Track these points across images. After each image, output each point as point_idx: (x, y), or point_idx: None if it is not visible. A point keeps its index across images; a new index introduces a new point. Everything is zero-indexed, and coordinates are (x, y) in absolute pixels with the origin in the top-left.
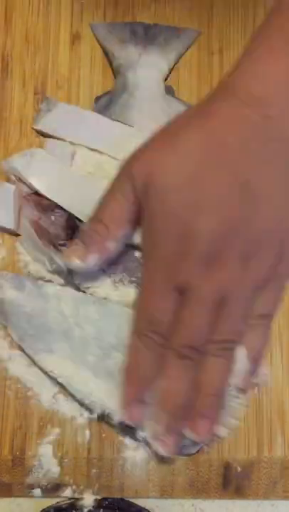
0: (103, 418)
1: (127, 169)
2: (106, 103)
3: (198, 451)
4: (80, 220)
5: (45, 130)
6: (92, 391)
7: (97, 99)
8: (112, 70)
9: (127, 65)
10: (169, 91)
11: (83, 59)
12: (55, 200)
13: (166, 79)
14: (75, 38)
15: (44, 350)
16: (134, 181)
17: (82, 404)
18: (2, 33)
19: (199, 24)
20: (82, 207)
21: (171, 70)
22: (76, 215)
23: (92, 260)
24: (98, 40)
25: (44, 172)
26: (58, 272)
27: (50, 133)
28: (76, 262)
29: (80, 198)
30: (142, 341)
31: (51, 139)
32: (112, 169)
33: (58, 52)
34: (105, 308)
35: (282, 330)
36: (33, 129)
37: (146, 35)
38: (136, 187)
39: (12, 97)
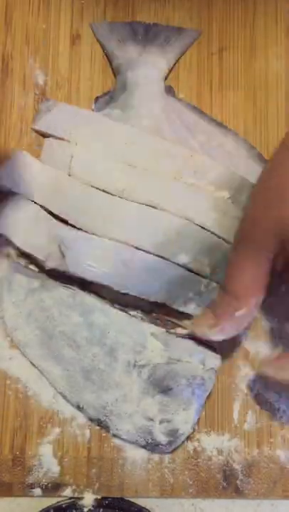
0: (100, 424)
1: (266, 231)
2: (106, 103)
3: (174, 450)
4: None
5: (45, 130)
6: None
7: (97, 99)
8: (112, 69)
9: (127, 64)
10: (169, 91)
11: (83, 59)
12: (47, 206)
13: (165, 78)
14: (75, 38)
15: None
16: (279, 231)
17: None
18: (2, 33)
19: (199, 24)
20: (73, 212)
21: (170, 70)
22: (65, 218)
23: (222, 333)
24: (98, 40)
25: (30, 178)
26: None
27: (50, 133)
28: (201, 330)
29: (72, 202)
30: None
31: (51, 139)
32: (110, 173)
33: (58, 52)
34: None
35: None
36: (32, 129)
37: (147, 34)
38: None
39: (12, 97)
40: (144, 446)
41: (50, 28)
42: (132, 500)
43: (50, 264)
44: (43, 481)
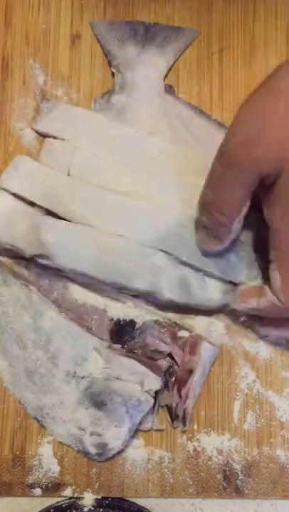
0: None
1: (247, 156)
2: (105, 103)
3: (106, 460)
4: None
5: (45, 130)
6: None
7: (97, 99)
8: (111, 69)
9: (126, 64)
10: (169, 90)
11: (83, 59)
12: (47, 207)
13: (165, 78)
14: (75, 37)
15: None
16: (260, 168)
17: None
18: (2, 33)
19: (199, 24)
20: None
21: (170, 69)
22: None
23: (224, 245)
24: (98, 40)
25: (32, 181)
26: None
27: (50, 133)
28: (212, 248)
29: (73, 202)
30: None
31: (51, 139)
32: (110, 173)
33: (58, 52)
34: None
35: None
36: (32, 129)
37: (146, 34)
38: (262, 173)
39: (12, 97)
40: (77, 451)
41: (50, 28)
42: (132, 500)
43: (29, 252)
44: (43, 481)
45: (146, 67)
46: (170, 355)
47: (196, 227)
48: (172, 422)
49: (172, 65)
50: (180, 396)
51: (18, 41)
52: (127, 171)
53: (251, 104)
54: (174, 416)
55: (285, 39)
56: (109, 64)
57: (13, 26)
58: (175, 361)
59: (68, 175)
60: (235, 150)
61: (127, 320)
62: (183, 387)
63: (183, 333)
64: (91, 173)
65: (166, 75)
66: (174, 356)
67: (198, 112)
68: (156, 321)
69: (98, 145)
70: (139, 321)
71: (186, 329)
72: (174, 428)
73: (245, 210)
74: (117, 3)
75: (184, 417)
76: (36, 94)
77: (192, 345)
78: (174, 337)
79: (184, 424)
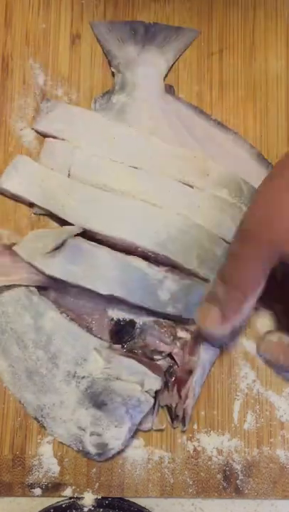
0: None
1: (265, 236)
2: (105, 102)
3: (105, 460)
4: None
5: (45, 130)
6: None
7: (97, 99)
8: (112, 69)
9: (126, 64)
10: (169, 90)
11: (83, 59)
12: (46, 207)
13: (165, 78)
14: (75, 37)
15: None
16: (278, 247)
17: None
18: (2, 33)
19: (199, 24)
20: (74, 212)
21: (169, 69)
22: (68, 219)
23: (230, 327)
24: (98, 40)
25: (31, 181)
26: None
27: (50, 133)
28: (211, 327)
29: (72, 202)
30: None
31: (51, 139)
32: (110, 173)
33: (58, 52)
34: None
35: None
36: (33, 129)
37: (146, 34)
38: (282, 252)
39: (12, 97)
40: (77, 451)
41: (50, 28)
42: (132, 500)
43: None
44: (43, 481)
45: (147, 67)
46: (170, 355)
47: (206, 299)
48: (172, 422)
49: (172, 65)
50: (180, 396)
51: (18, 41)
52: (126, 170)
53: (273, 181)
54: (173, 416)
55: (285, 39)
56: (109, 64)
57: (13, 26)
58: (175, 361)
59: (69, 175)
60: (254, 227)
61: (127, 320)
62: (183, 387)
63: (183, 334)
64: (91, 173)
65: (166, 75)
66: (174, 356)
67: (198, 111)
68: (156, 321)
69: (98, 145)
70: (139, 321)
71: (186, 329)
72: (174, 428)
73: (259, 290)
74: (117, 4)
75: (183, 417)
76: (36, 94)
77: (192, 345)
78: (174, 337)
79: (184, 424)
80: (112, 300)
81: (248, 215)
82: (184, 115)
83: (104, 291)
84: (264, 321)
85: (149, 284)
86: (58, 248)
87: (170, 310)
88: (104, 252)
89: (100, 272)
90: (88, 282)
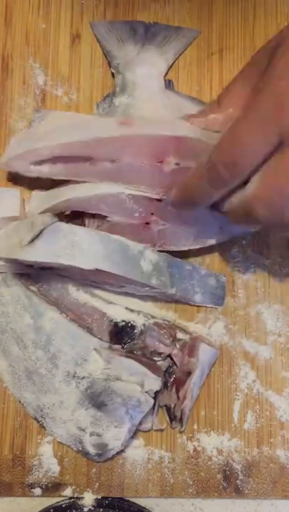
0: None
1: (274, 117)
2: (108, 106)
3: (105, 460)
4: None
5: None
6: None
7: (99, 103)
8: (111, 70)
9: (126, 64)
10: (169, 85)
11: (83, 59)
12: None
13: (164, 77)
14: (75, 37)
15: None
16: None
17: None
18: (2, 33)
19: (199, 24)
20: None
21: (169, 69)
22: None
23: (209, 198)
24: (98, 39)
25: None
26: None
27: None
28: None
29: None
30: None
31: None
32: None
33: (58, 52)
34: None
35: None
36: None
37: (146, 33)
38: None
39: (12, 97)
40: (77, 452)
41: (50, 28)
42: (132, 500)
43: None
44: (43, 481)
45: (146, 66)
46: (169, 356)
47: (194, 175)
48: (170, 422)
49: (172, 65)
50: (178, 397)
51: (18, 41)
52: None
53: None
54: (172, 416)
55: None
56: (109, 65)
57: (13, 26)
58: (174, 363)
59: None
60: (263, 106)
61: (127, 321)
62: (181, 388)
63: (182, 335)
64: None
65: (165, 75)
66: (174, 358)
67: (199, 102)
68: (155, 323)
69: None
70: (139, 323)
71: (186, 331)
72: (173, 428)
73: (250, 169)
74: (117, 4)
75: (181, 418)
76: (36, 94)
77: (191, 347)
78: (174, 339)
79: (181, 425)
80: (95, 281)
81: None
82: (185, 107)
83: (87, 266)
84: (264, 322)
85: (131, 254)
86: (34, 239)
87: (154, 282)
88: (83, 229)
89: (81, 247)
90: (70, 259)
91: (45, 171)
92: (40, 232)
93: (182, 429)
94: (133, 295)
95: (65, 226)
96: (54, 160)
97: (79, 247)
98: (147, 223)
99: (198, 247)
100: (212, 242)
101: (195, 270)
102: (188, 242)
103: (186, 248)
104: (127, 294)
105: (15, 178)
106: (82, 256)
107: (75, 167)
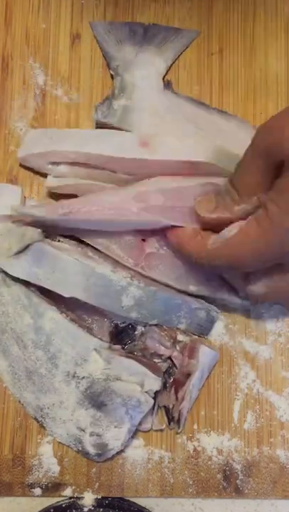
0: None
1: (266, 142)
2: (107, 109)
3: (105, 460)
4: None
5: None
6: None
7: (98, 107)
8: (110, 71)
9: (124, 65)
10: (168, 85)
11: (83, 59)
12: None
13: (163, 78)
14: (75, 37)
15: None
16: (275, 152)
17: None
18: (2, 33)
19: (199, 24)
20: None
21: (169, 69)
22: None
23: (215, 218)
24: (97, 40)
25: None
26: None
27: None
28: (201, 211)
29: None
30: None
31: None
32: None
33: (58, 52)
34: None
35: None
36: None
37: (145, 34)
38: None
39: (12, 97)
40: (77, 452)
41: (50, 28)
42: (132, 500)
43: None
44: (43, 481)
45: (145, 67)
46: (170, 358)
47: (220, 191)
48: (168, 423)
49: (171, 65)
50: (177, 398)
51: (18, 41)
52: None
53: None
54: (170, 417)
55: (285, 39)
56: (108, 66)
57: (13, 26)
58: (174, 364)
59: None
60: (258, 138)
61: (128, 323)
62: (180, 389)
63: (183, 337)
64: None
65: (164, 75)
66: (174, 360)
67: (198, 103)
68: (156, 325)
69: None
70: (139, 324)
71: (186, 333)
72: (170, 429)
73: (254, 191)
74: (117, 4)
75: (178, 419)
76: (36, 94)
77: (191, 348)
78: (174, 341)
79: (179, 426)
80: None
81: (268, 124)
82: (185, 108)
83: (66, 294)
84: (264, 322)
85: (113, 290)
86: (21, 251)
87: (134, 315)
88: (67, 256)
89: (64, 275)
90: (51, 285)
91: (63, 171)
92: (27, 247)
93: (179, 431)
94: None
95: (50, 250)
96: (73, 163)
97: (60, 274)
98: (144, 240)
99: (178, 287)
100: (193, 289)
101: (185, 304)
102: (170, 280)
103: (169, 283)
104: None
105: (16, 176)
106: (61, 283)
107: (93, 172)
